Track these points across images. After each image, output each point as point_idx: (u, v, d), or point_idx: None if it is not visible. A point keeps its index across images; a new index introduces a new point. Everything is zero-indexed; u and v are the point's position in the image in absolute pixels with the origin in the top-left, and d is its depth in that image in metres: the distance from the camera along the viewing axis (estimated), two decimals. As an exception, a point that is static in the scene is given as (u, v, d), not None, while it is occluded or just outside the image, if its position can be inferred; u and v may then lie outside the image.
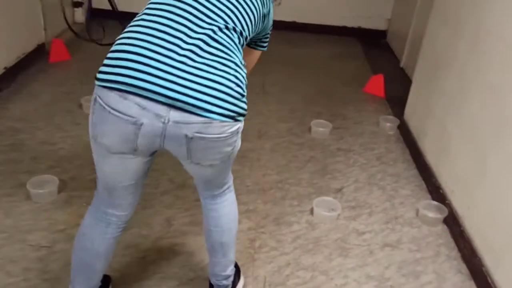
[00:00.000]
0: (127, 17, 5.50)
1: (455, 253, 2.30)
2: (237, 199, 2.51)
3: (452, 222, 2.41)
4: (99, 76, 1.32)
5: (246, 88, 1.37)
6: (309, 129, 3.31)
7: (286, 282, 2.04)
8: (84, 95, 3.28)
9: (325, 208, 2.48)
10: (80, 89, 3.47)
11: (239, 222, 2.36)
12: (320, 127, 3.29)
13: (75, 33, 4.56)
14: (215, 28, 1.31)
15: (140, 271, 2.01)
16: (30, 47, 3.86)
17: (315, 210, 2.45)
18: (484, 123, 2.24)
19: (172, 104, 1.24)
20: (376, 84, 4.01)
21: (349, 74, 4.43)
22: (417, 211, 2.55)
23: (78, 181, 2.55)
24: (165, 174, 2.68)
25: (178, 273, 2.02)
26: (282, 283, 2.04)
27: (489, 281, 1.99)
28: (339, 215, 2.48)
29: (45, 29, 4.04)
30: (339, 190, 2.71)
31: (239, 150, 1.54)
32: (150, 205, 2.42)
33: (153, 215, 2.35)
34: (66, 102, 3.36)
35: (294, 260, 2.17)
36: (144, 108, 1.25)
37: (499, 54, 2.17)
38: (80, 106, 3.27)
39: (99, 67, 1.35)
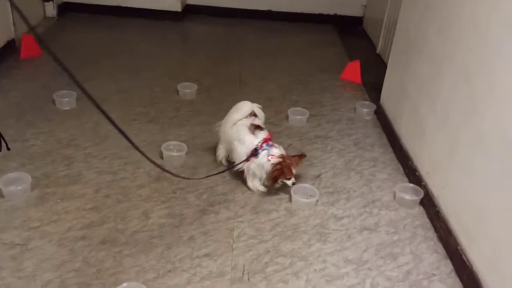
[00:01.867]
0: (102, 11, 5.40)
1: (431, 233, 2.33)
2: (214, 190, 2.52)
3: (428, 204, 2.44)
4: None
5: None
6: (287, 117, 3.30)
7: (265, 269, 2.04)
8: (57, 90, 3.23)
9: (303, 195, 2.48)
10: (53, 84, 3.40)
11: (217, 212, 2.36)
12: (298, 115, 3.29)
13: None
14: None
15: (117, 265, 1.98)
16: (-1, 43, 3.77)
17: (293, 197, 2.45)
18: (456, 106, 2.26)
19: None
20: (353, 70, 4.02)
21: (326, 61, 4.44)
22: (394, 194, 2.57)
23: (52, 177, 2.50)
24: (141, 167, 2.65)
25: (155, 266, 2.00)
26: (261, 270, 2.03)
27: (464, 259, 2.03)
28: (317, 201, 2.48)
29: (14, 25, 3.94)
30: (317, 176, 2.71)
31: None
32: (127, 198, 2.40)
33: (129, 209, 2.33)
34: (38, 98, 3.29)
35: (273, 248, 2.17)
36: None
37: (467, 37, 2.19)
38: (53, 101, 3.21)
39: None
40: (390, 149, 3.03)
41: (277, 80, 3.93)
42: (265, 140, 2.49)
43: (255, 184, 2.53)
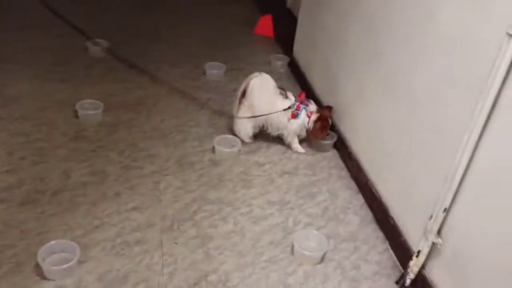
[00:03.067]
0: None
1: (344, 172, 2.54)
2: (136, 146, 2.50)
3: (341, 146, 2.64)
4: None
5: None
6: (204, 72, 3.31)
7: (194, 217, 2.11)
8: None
9: (226, 145, 2.55)
10: None
11: (141, 168, 2.36)
12: (215, 69, 3.31)
13: None
14: None
15: (41, 225, 1.92)
16: None
17: (217, 148, 2.52)
18: (361, 53, 2.43)
19: None
20: (265, 25, 4.09)
21: (239, 17, 4.46)
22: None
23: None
24: (56, 128, 2.54)
25: (82, 223, 1.98)
26: (190, 218, 2.10)
27: (374, 191, 2.25)
28: (240, 150, 2.57)
29: None
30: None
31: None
32: (44, 160, 2.30)
33: (48, 170, 2.24)
34: None
35: (200, 196, 2.24)
36: None
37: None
38: None
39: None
40: (305, 99, 3.19)
41: (194, 36, 3.90)
42: (300, 100, 2.57)
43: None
